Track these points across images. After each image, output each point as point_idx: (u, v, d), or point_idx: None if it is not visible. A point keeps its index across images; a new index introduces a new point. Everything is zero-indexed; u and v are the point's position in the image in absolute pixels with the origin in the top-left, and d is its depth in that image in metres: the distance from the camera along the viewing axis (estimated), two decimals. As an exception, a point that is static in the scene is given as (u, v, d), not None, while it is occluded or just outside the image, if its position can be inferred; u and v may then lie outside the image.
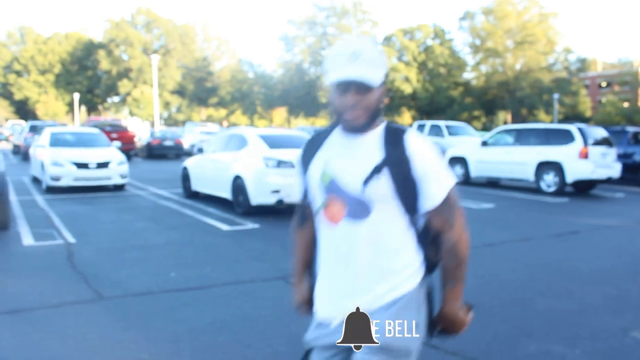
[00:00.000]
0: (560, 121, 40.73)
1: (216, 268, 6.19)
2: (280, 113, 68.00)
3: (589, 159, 13.23)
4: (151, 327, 4.34)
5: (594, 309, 4.97)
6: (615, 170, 14.18)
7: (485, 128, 52.43)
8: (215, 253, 7.00)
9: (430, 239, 1.88)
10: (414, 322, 1.81)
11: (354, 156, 1.80)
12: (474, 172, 16.30)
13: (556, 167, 13.47)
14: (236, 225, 8.68)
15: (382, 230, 1.79)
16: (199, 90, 72.08)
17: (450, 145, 19.16)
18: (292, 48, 61.97)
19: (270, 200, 9.21)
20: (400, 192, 1.76)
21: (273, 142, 9.84)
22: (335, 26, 60.25)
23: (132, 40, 69.22)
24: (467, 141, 20.30)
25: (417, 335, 1.82)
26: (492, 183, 16.12)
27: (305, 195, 2.02)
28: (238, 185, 9.69)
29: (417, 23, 63.96)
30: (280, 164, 9.21)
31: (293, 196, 9.26)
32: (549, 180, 13.65)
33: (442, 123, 23.63)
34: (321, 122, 61.37)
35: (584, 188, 14.16)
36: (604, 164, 13.76)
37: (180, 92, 72.86)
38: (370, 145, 1.80)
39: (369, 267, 1.81)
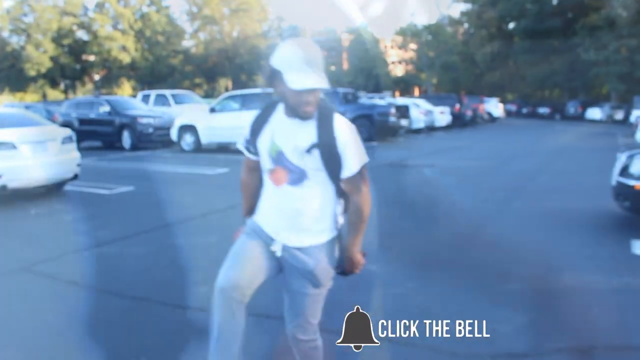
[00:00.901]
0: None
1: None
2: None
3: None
4: None
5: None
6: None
7: (208, 95, 53.08)
8: None
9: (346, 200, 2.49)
10: (331, 259, 2.48)
11: (295, 135, 2.35)
12: (205, 139, 16.66)
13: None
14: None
15: (314, 193, 2.40)
16: None
17: (178, 113, 18.69)
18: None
19: (-12, 187, 8.27)
20: (328, 165, 2.35)
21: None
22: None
23: None
24: (194, 109, 20.17)
25: (332, 271, 2.50)
26: (223, 148, 16.50)
27: (254, 153, 2.53)
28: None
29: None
30: (-3, 146, 8.31)
31: (19, 180, 8.48)
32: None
33: (167, 92, 22.81)
34: (31, 97, 55.49)
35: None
36: None
37: None
38: (308, 127, 2.34)
39: (303, 218, 2.40)
